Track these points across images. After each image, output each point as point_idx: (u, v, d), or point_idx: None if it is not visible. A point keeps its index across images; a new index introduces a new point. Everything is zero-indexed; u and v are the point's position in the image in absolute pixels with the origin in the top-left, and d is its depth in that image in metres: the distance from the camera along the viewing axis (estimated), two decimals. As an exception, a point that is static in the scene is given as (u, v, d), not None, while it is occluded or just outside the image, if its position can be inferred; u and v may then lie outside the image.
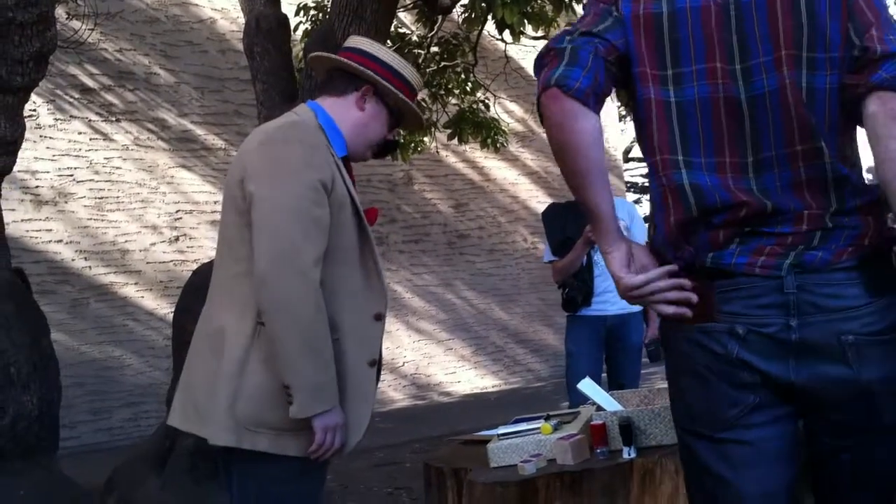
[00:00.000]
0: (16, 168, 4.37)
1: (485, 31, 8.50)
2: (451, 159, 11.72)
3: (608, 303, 4.93)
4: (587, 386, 2.65)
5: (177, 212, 9.61)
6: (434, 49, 8.41)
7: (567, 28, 1.89)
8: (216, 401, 2.26)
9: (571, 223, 4.97)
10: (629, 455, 2.36)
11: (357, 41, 2.62)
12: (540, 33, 8.07)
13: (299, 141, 2.34)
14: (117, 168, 9.33)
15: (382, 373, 2.61)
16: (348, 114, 2.49)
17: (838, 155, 1.75)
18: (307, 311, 2.19)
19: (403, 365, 10.96)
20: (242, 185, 2.29)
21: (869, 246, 1.75)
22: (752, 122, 1.76)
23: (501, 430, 2.65)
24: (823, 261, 1.73)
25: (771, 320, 1.73)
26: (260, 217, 2.24)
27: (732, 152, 1.78)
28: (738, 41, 1.78)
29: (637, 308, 5.06)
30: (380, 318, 2.41)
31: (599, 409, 2.58)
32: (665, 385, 2.16)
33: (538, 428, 2.57)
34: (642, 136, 1.86)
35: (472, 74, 8.74)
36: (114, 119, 9.36)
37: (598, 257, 4.97)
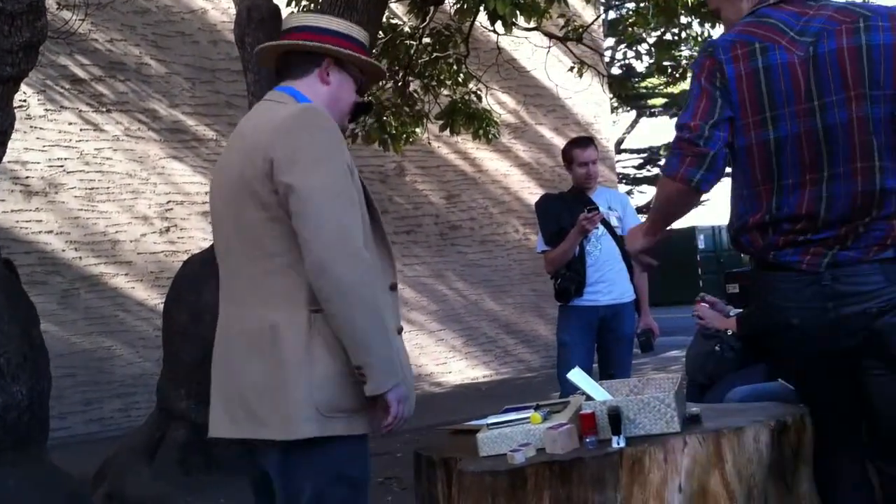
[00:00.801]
0: (6, 158, 4.35)
1: (477, 23, 8.49)
2: (443, 150, 11.71)
3: (600, 293, 4.93)
4: (576, 375, 2.66)
5: (168, 202, 9.58)
6: (426, 40, 8.40)
7: (694, 122, 2.42)
8: (288, 396, 2.24)
9: (565, 213, 4.98)
10: (618, 444, 2.36)
11: (297, 19, 2.62)
12: (532, 24, 8.07)
13: (321, 126, 2.34)
14: (108, 159, 9.30)
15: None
16: (318, 91, 2.50)
17: (892, 170, 2.34)
18: (369, 290, 2.24)
19: (395, 356, 10.98)
20: (270, 180, 2.27)
21: (891, 245, 2.34)
22: (827, 146, 2.34)
23: (491, 419, 2.66)
24: (854, 258, 2.34)
25: (814, 304, 2.36)
26: (304, 206, 2.23)
27: (812, 170, 2.36)
28: (815, 84, 2.34)
29: (629, 298, 5.07)
30: (394, 287, 2.47)
31: (589, 398, 2.59)
32: (655, 375, 2.74)
33: (528, 417, 2.57)
34: (744, 174, 2.45)
35: (464, 65, 8.73)
36: (104, 110, 9.32)
37: (590, 247, 4.97)
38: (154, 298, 9.20)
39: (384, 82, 8.45)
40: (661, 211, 2.60)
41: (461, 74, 8.76)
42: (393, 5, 8.81)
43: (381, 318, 2.26)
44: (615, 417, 2.39)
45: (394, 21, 8.78)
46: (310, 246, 2.22)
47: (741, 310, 4.63)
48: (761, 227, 2.43)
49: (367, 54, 2.59)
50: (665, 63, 11.12)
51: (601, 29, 13.47)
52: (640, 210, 28.64)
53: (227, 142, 2.69)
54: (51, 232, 8.92)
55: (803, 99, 2.35)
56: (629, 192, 28.31)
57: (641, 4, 9.04)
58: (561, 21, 9.15)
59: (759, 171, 2.41)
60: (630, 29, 9.76)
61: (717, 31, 10.38)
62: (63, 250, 8.98)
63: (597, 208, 4.90)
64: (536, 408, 2.69)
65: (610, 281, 4.96)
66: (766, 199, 2.42)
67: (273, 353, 2.27)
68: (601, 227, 4.95)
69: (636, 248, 2.69)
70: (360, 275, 2.22)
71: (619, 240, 5.02)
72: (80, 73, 9.19)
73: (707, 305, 4.55)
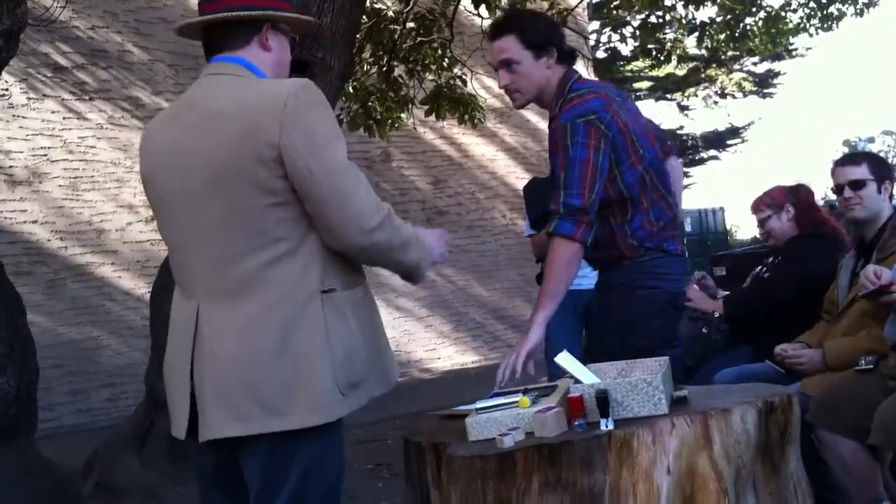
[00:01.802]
0: (-12, 148, 4.33)
1: (461, 6, 8.46)
2: (429, 136, 11.70)
3: (585, 277, 4.91)
4: (564, 359, 2.66)
5: (153, 191, 9.54)
6: (410, 24, 8.37)
7: (586, 195, 3.03)
8: (314, 383, 2.23)
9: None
10: (606, 427, 2.37)
11: None
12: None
13: (322, 103, 2.29)
14: (91, 147, 9.25)
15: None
16: (262, 59, 2.41)
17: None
18: (402, 233, 2.35)
19: (383, 342, 10.99)
20: (279, 165, 2.20)
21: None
22: (655, 173, 3.22)
23: (480, 403, 2.66)
24: (681, 251, 3.30)
25: (682, 276, 3.34)
26: (329, 191, 2.21)
27: (657, 190, 3.22)
28: (639, 133, 3.19)
29: None
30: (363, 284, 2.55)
31: (577, 381, 2.60)
32: (643, 359, 2.81)
33: (516, 401, 2.58)
34: (630, 199, 3.14)
35: (448, 50, 8.70)
36: (87, 98, 9.26)
37: None
38: (141, 287, 9.17)
39: (369, 67, 8.42)
40: (559, 272, 3.09)
41: (446, 59, 8.73)
42: (377, -10, 8.77)
43: (412, 238, 2.38)
44: (603, 400, 2.39)
45: (377, 6, 8.74)
46: (342, 228, 2.24)
47: (728, 292, 4.66)
48: (654, 230, 3.18)
49: (295, 9, 2.52)
50: (650, 46, 11.13)
51: (586, 12, 13.45)
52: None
53: (166, 115, 2.49)
54: (35, 222, 8.88)
55: (642, 142, 3.16)
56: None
57: (626, -13, 9.03)
58: (545, 4, 9.13)
59: (643, 194, 3.15)
60: (615, 12, 9.76)
61: (702, 14, 10.42)
62: (48, 240, 8.93)
63: None
64: (525, 392, 2.70)
65: None
66: (646, 214, 3.17)
67: (293, 344, 2.23)
68: None
69: (536, 336, 3.17)
70: (395, 229, 2.31)
71: None
72: (62, 61, 9.13)
73: (697, 287, 4.57)
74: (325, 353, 2.24)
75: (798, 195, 4.41)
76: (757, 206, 4.44)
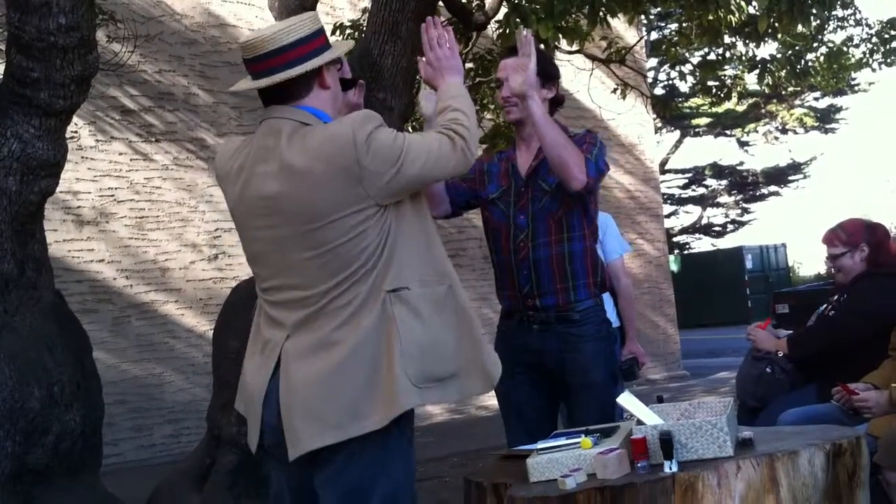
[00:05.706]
0: (57, 189, 4.43)
1: (519, 46, 8.50)
2: (487, 174, 11.72)
3: None
4: (626, 399, 2.64)
5: (216, 230, 9.70)
6: (469, 65, 8.44)
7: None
8: (389, 379, 2.32)
9: None
10: (670, 469, 2.34)
11: (270, 41, 2.49)
12: (574, 47, 8.07)
13: (375, 120, 2.42)
14: (157, 188, 9.44)
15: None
16: (323, 99, 2.52)
17: None
18: (469, 119, 2.64)
19: (441, 380, 10.95)
20: (364, 196, 2.36)
21: None
22: None
23: (541, 444, 2.65)
24: None
25: None
26: (417, 174, 2.43)
27: None
28: None
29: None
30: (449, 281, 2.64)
31: (640, 422, 2.57)
32: (706, 398, 2.48)
33: (578, 442, 2.56)
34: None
35: (506, 89, 8.74)
36: (154, 139, 9.48)
37: None
38: (203, 325, 9.29)
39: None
40: (561, 138, 3.33)
41: (504, 98, 8.77)
42: (435, 31, 8.87)
43: (467, 107, 2.66)
44: (667, 442, 2.37)
45: (436, 47, 8.82)
46: (445, 165, 2.51)
47: (791, 331, 4.57)
48: None
49: (328, 42, 2.60)
50: (709, 83, 11.07)
51: (644, 50, 13.43)
52: (685, 230, 28.39)
53: (237, 160, 2.57)
54: (102, 261, 9.07)
55: None
56: (674, 213, 28.09)
57: (684, 25, 9.01)
58: (603, 43, 9.15)
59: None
60: (673, 49, 9.73)
61: (762, 51, 10.33)
62: (114, 279, 9.11)
63: None
64: (586, 433, 2.68)
65: None
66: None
67: (366, 349, 2.34)
68: None
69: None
70: (466, 129, 2.56)
71: None
72: (130, 104, 9.36)
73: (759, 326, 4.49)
74: (395, 348, 2.33)
75: (875, 235, 4.24)
76: (831, 240, 4.27)
